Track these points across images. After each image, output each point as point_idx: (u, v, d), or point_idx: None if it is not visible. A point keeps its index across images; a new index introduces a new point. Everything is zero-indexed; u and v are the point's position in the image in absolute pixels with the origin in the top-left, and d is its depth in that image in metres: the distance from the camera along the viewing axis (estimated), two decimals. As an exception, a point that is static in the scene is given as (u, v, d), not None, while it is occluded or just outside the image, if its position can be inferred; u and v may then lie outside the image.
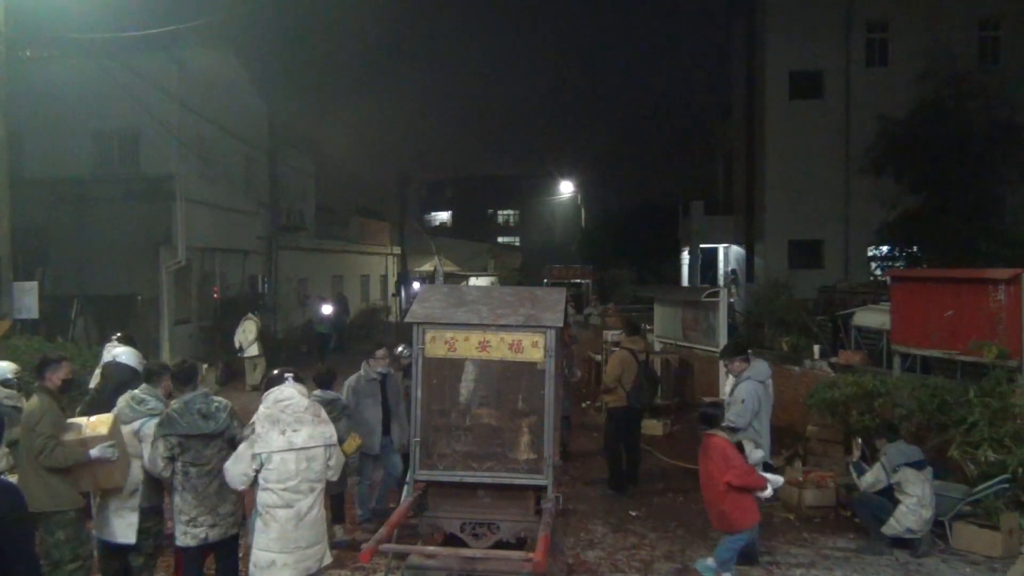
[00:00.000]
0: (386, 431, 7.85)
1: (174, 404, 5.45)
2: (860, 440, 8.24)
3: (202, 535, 5.26)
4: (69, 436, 5.47)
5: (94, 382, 7.69)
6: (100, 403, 6.03)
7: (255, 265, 22.36)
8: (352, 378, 7.89)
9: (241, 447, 4.93)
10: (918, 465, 7.25)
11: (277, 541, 4.78)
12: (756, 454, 6.95)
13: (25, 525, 3.47)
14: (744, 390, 7.17)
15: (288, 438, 4.83)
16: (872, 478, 7.39)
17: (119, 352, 7.20)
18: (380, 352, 7.94)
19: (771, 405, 7.50)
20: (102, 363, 7.65)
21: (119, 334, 8.13)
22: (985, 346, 8.84)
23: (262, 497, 4.83)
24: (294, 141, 26.37)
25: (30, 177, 16.02)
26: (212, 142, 19.38)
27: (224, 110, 19.70)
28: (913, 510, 7.08)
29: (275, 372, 5.32)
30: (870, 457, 7.89)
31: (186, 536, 5.26)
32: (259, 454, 4.80)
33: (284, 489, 4.79)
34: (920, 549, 7.12)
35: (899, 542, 7.21)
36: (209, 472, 5.26)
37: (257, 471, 4.83)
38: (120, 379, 6.43)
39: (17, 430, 6.65)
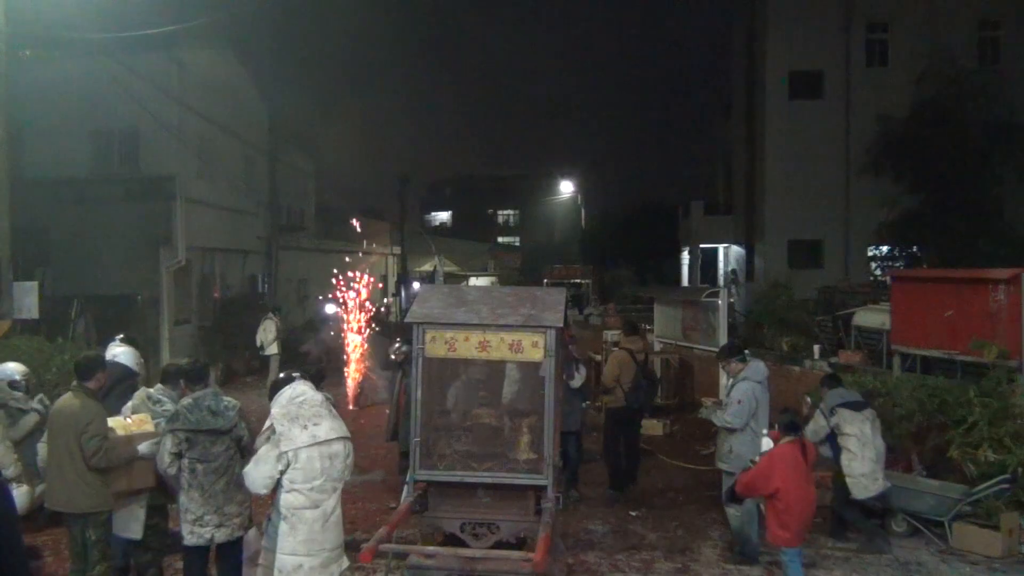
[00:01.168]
0: None
1: (184, 400, 5.48)
2: (809, 398, 8.42)
3: (208, 535, 5.25)
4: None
5: None
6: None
7: (255, 265, 22.35)
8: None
9: (262, 450, 4.80)
10: (855, 406, 7.42)
11: (304, 544, 4.73)
12: (766, 443, 6.90)
13: (14, 522, 3.51)
14: (740, 390, 7.16)
15: (311, 432, 4.80)
16: (814, 425, 7.55)
17: (118, 352, 7.21)
18: None
19: (768, 405, 7.46)
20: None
21: (122, 335, 8.13)
22: (985, 346, 8.84)
23: (287, 499, 4.73)
24: (294, 141, 26.36)
25: (30, 177, 16.01)
26: (212, 142, 19.37)
27: (224, 110, 19.69)
28: (855, 453, 7.19)
29: (280, 376, 5.30)
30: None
31: (192, 536, 5.25)
32: (285, 452, 4.72)
33: (311, 489, 4.74)
34: (879, 539, 7.28)
35: (872, 514, 7.36)
36: (216, 470, 5.26)
37: (282, 472, 4.74)
38: (115, 377, 6.43)
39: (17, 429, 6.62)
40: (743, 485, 6.12)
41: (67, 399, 5.48)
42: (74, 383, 5.57)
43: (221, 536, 5.29)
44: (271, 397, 5.05)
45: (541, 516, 4.94)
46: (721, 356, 7.91)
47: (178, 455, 5.25)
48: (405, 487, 5.35)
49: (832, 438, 7.46)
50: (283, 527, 4.72)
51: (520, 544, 5.07)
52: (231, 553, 5.46)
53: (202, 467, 5.24)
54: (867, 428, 7.32)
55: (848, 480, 7.27)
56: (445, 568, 4.67)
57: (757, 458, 6.88)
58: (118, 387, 6.46)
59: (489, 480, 5.04)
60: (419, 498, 5.13)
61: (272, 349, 16.48)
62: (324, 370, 8.03)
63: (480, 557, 4.68)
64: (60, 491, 5.33)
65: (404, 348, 8.69)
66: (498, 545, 4.97)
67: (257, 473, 4.75)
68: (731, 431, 7.13)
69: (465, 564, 4.64)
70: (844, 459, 7.33)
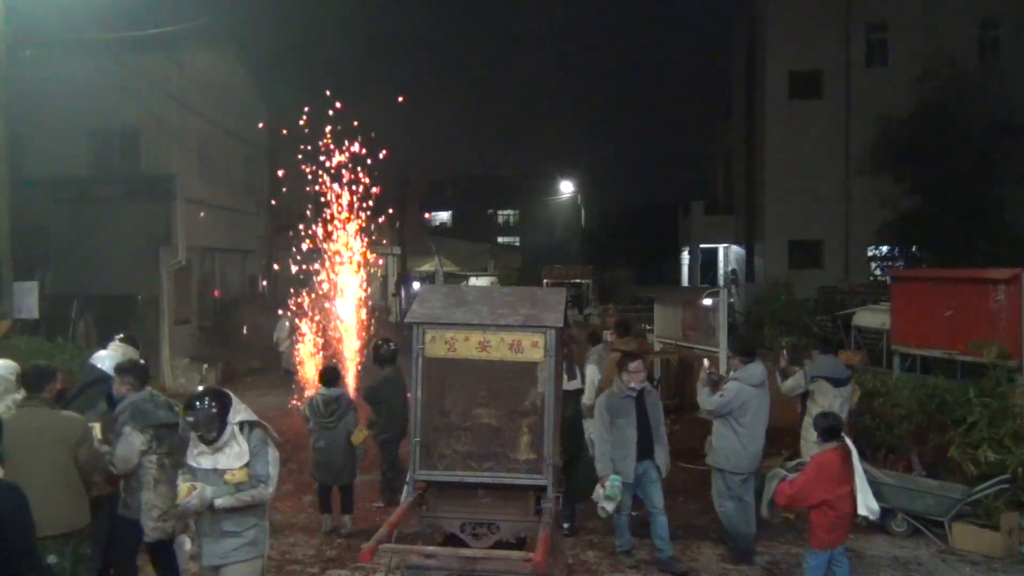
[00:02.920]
0: (646, 455, 6.88)
1: (138, 396, 5.36)
2: (784, 349, 8.72)
3: (170, 528, 5.28)
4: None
5: None
6: (63, 404, 5.66)
7: (255, 265, 22.36)
8: (603, 395, 7.05)
9: (272, 454, 4.69)
10: (836, 382, 7.86)
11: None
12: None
13: (29, 526, 3.44)
14: (727, 387, 7.20)
15: None
16: (793, 382, 8.12)
17: (101, 355, 7.07)
18: (634, 364, 6.89)
19: (763, 410, 7.46)
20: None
21: (121, 335, 8.08)
22: (985, 346, 8.84)
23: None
24: (294, 141, 26.32)
25: (30, 177, 16.02)
26: (212, 142, 19.38)
27: (224, 110, 19.70)
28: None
29: (201, 389, 4.93)
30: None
31: (155, 531, 5.23)
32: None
33: None
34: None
35: None
36: (179, 463, 5.22)
37: None
38: (86, 380, 6.16)
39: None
40: (786, 497, 5.90)
41: (33, 413, 4.98)
42: (27, 394, 5.13)
43: (180, 527, 5.35)
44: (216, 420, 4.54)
45: (541, 516, 4.94)
46: (730, 348, 8.13)
47: (144, 452, 5.20)
48: (405, 487, 5.35)
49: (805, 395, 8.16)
50: (265, 526, 4.75)
51: (520, 544, 5.07)
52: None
53: (169, 461, 5.25)
54: (836, 404, 7.68)
55: (801, 443, 7.93)
56: (445, 568, 4.66)
57: (789, 467, 6.91)
58: (88, 391, 6.18)
59: (489, 480, 5.04)
60: (417, 498, 5.13)
61: (287, 346, 16.73)
62: (339, 369, 8.26)
63: (480, 557, 4.68)
64: (41, 511, 4.51)
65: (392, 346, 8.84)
66: (498, 545, 4.97)
67: (276, 475, 4.68)
68: (719, 428, 7.21)
69: (465, 564, 4.64)
70: (805, 422, 7.98)
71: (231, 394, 4.67)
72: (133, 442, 5.20)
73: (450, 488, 5.11)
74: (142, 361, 6.05)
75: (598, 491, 6.66)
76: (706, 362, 7.85)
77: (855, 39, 24.71)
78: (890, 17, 24.44)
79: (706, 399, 7.23)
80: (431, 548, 4.86)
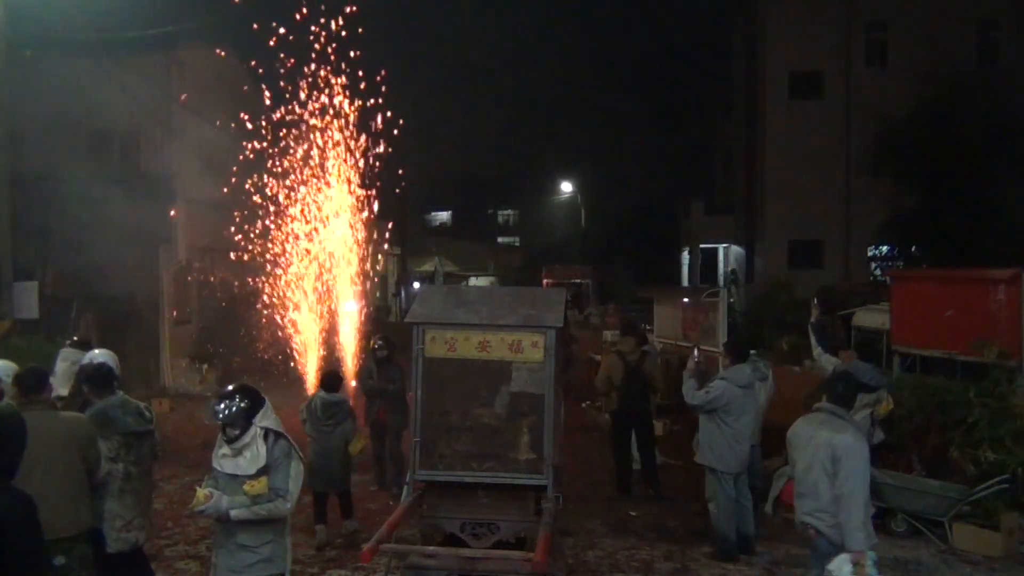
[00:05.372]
0: None
1: (109, 403, 5.24)
2: (816, 300, 9.19)
3: (133, 539, 5.18)
4: None
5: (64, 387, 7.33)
6: (75, 407, 5.58)
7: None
8: (807, 427, 5.01)
9: (294, 468, 4.52)
10: (866, 388, 7.72)
11: None
12: None
13: (38, 533, 3.41)
14: (713, 384, 7.23)
15: None
16: (825, 362, 8.45)
17: (96, 354, 7.02)
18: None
19: (753, 410, 7.44)
20: (59, 366, 7.31)
21: (75, 338, 8.00)
22: (985, 346, 8.82)
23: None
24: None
25: (30, 177, 16.00)
26: (212, 142, 19.35)
27: (224, 110, 19.66)
28: None
29: (228, 388, 4.73)
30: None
31: (118, 542, 5.11)
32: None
33: None
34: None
35: None
36: (145, 472, 5.26)
37: None
38: (105, 380, 6.20)
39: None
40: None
41: (42, 415, 4.79)
42: (28, 397, 4.89)
43: (143, 538, 5.27)
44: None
45: (541, 516, 4.94)
46: (723, 346, 8.18)
47: (112, 460, 5.09)
48: (405, 487, 5.35)
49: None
50: (288, 542, 4.62)
51: (520, 544, 5.07)
52: (140, 555, 5.43)
53: (136, 470, 5.16)
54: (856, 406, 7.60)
55: None
56: (445, 568, 4.67)
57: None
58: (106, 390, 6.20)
59: (489, 480, 5.05)
60: (417, 498, 5.14)
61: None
62: (340, 374, 8.24)
63: (480, 557, 4.69)
64: (55, 515, 4.54)
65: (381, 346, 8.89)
66: (498, 545, 4.98)
67: (297, 490, 4.52)
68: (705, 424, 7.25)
69: (465, 564, 4.64)
70: None
71: (265, 398, 4.56)
72: (99, 450, 5.03)
73: (450, 488, 5.12)
74: (104, 367, 5.86)
75: (843, 569, 4.68)
76: (695, 351, 7.81)
77: (855, 39, 24.71)
78: (890, 17, 24.44)
79: (691, 392, 7.27)
80: (431, 548, 4.87)
